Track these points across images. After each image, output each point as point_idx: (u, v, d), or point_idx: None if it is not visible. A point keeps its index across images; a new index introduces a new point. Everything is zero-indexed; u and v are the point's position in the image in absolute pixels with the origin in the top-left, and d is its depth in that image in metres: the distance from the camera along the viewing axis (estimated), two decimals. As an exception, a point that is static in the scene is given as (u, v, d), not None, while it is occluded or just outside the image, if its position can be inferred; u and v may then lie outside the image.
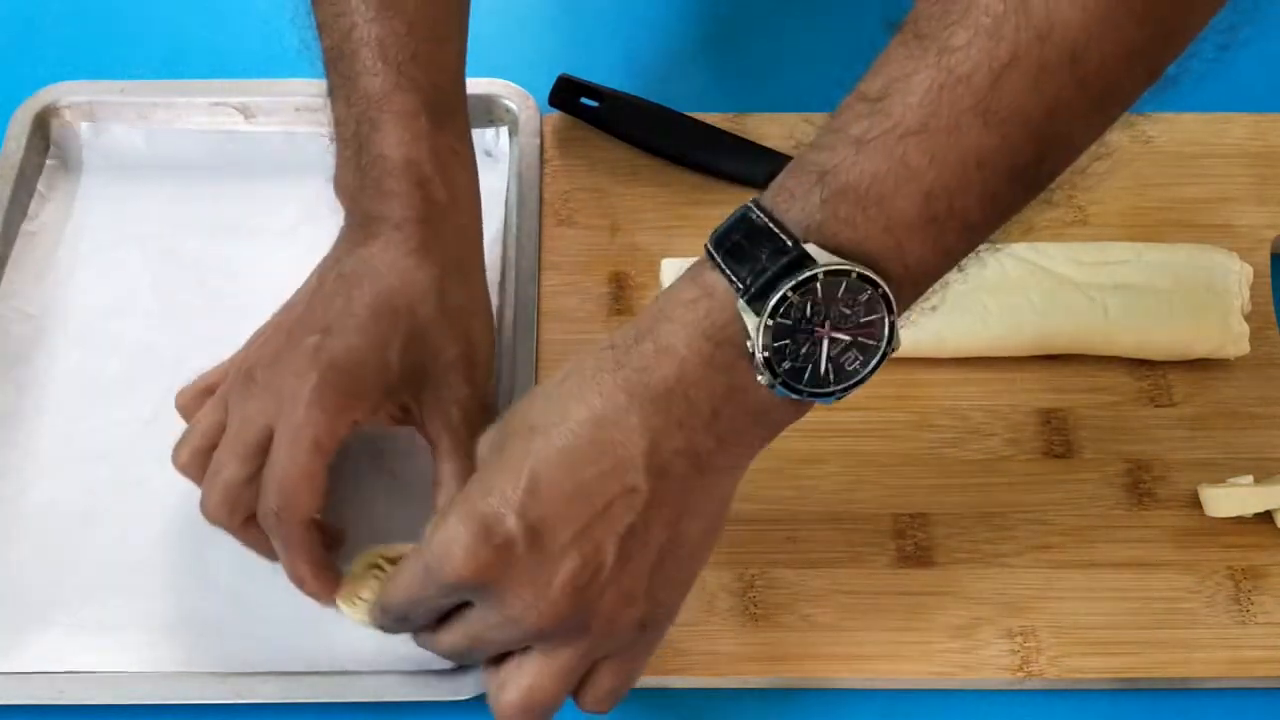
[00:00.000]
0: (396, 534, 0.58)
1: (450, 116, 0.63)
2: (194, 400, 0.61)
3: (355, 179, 0.61)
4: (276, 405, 0.56)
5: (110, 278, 0.72)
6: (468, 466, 0.59)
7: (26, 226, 0.73)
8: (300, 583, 0.58)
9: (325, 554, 0.59)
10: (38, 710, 0.59)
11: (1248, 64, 0.82)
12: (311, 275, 0.61)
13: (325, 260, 0.61)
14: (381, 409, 0.59)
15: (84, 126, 0.76)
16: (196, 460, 0.59)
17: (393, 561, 0.61)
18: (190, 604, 0.62)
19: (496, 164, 0.76)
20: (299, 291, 0.61)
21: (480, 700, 0.58)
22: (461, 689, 0.59)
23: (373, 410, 0.58)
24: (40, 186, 0.75)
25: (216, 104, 0.76)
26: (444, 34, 0.64)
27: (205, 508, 0.58)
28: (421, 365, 0.59)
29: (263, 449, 0.57)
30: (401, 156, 0.60)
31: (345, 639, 0.60)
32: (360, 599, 0.60)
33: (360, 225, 0.60)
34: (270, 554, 0.59)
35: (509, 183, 0.75)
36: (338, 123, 0.62)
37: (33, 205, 0.74)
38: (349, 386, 0.56)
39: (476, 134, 0.76)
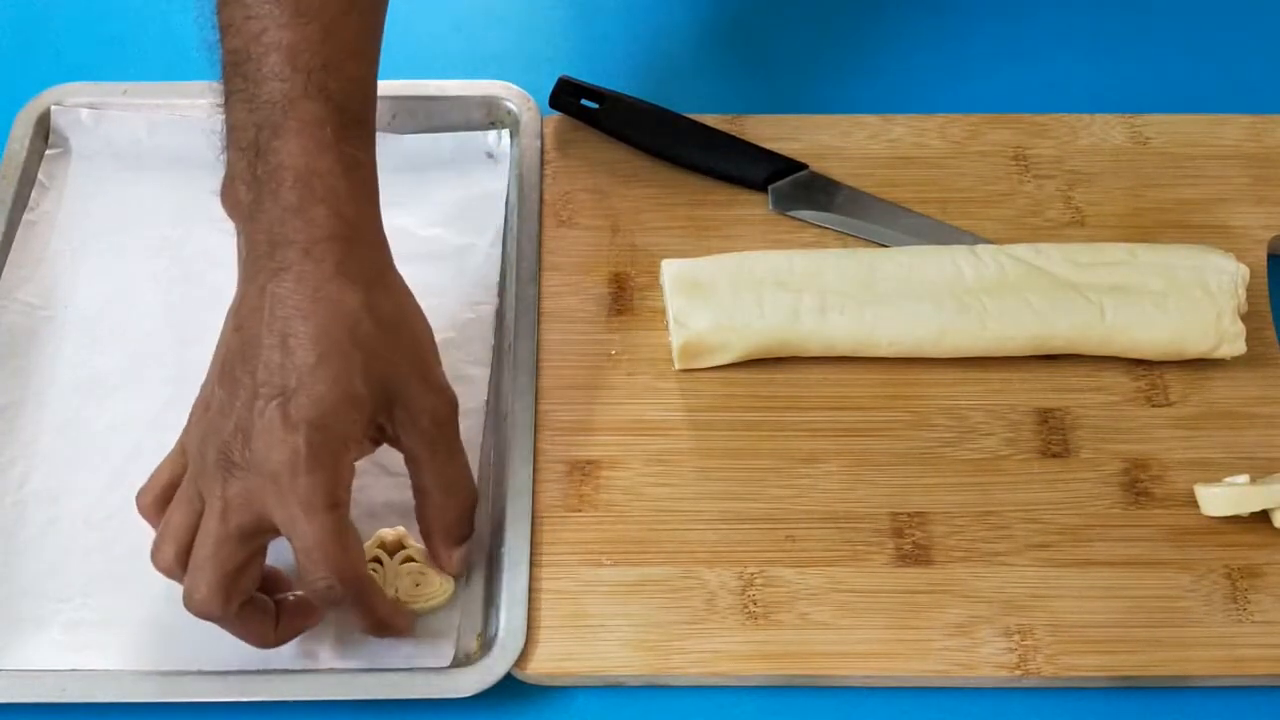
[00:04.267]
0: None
1: (358, 127, 0.60)
2: (157, 501, 0.59)
3: (251, 193, 0.58)
4: (270, 485, 0.54)
5: (111, 268, 0.72)
6: (448, 472, 0.60)
7: (27, 216, 0.73)
8: (383, 630, 0.59)
9: (385, 593, 0.59)
10: (40, 708, 0.59)
11: (1245, 65, 0.83)
12: (226, 325, 0.58)
13: (237, 303, 0.58)
14: (369, 440, 0.58)
15: (85, 114, 0.76)
16: (181, 559, 0.56)
17: (390, 551, 0.62)
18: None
19: (497, 165, 0.76)
20: (220, 348, 0.58)
21: (480, 699, 0.59)
22: (461, 687, 0.59)
23: (362, 445, 0.57)
24: (41, 176, 0.75)
25: (219, 105, 0.76)
26: (359, 48, 0.60)
27: (195, 600, 0.55)
28: (384, 385, 0.57)
29: (258, 531, 0.55)
30: (305, 166, 0.57)
31: (344, 638, 0.61)
32: None
33: (267, 254, 0.57)
34: (260, 639, 0.58)
35: (509, 184, 0.76)
36: (234, 129, 0.59)
37: (33, 195, 0.74)
38: (336, 436, 0.55)
39: (477, 136, 0.77)
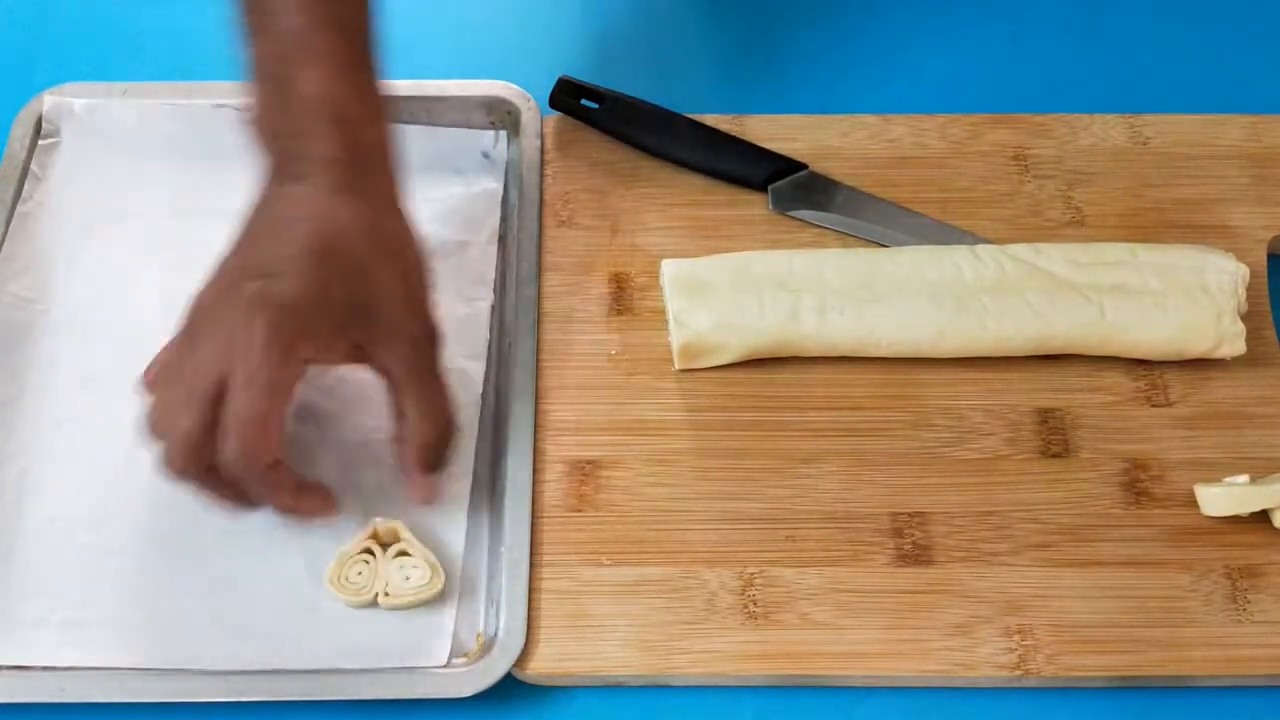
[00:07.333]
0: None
1: (369, 55, 0.63)
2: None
3: (278, 119, 0.61)
4: (227, 352, 0.57)
5: (107, 260, 0.72)
6: (425, 397, 0.61)
7: (20, 208, 0.73)
8: (291, 512, 0.61)
9: (301, 478, 0.60)
10: (39, 708, 0.59)
11: (1245, 65, 0.83)
12: (240, 223, 0.61)
13: (252, 206, 0.61)
14: (333, 348, 0.59)
15: (78, 104, 0.76)
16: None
17: (384, 544, 0.62)
18: (190, 602, 0.62)
19: (495, 165, 0.76)
20: (230, 242, 0.60)
21: (480, 699, 0.59)
22: (461, 687, 0.59)
23: (324, 348, 0.59)
24: (34, 167, 0.75)
25: (219, 105, 0.77)
26: None
27: (168, 461, 0.58)
28: (365, 302, 0.59)
29: (217, 398, 0.57)
30: (325, 94, 0.60)
31: (344, 637, 0.61)
32: (350, 580, 0.61)
33: (285, 166, 0.61)
34: (229, 502, 0.60)
35: (509, 184, 0.76)
36: (257, 62, 0.62)
37: (26, 186, 0.74)
38: (296, 326, 0.57)
39: (474, 136, 0.77)
